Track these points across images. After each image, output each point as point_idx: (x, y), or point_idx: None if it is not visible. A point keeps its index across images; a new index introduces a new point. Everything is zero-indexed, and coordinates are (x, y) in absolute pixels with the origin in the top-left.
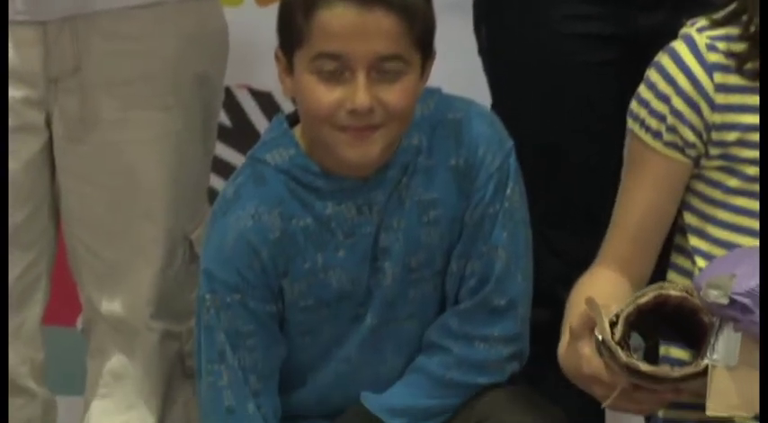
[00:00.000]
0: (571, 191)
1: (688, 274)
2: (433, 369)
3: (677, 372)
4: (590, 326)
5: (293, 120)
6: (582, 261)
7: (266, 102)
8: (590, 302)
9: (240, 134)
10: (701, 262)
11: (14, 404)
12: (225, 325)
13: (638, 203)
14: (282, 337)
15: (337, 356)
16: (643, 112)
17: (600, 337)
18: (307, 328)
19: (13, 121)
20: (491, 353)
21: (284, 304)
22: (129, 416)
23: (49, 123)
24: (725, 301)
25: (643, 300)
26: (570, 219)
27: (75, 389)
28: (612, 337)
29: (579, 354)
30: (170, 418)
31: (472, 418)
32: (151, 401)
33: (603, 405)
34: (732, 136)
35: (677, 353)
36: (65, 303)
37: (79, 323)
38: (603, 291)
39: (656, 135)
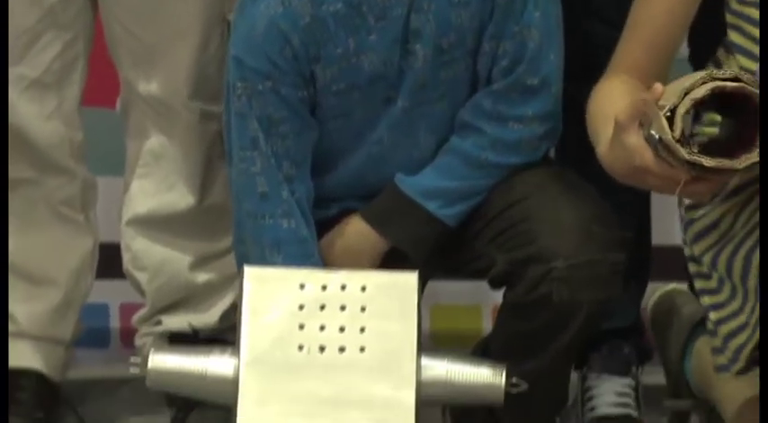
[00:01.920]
0: None
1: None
2: (467, 150)
3: (740, 163)
4: (637, 117)
5: None
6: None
7: None
8: (645, 102)
9: None
10: (741, 60)
11: (55, 184)
12: (257, 112)
13: (656, 10)
14: (314, 122)
15: (370, 139)
16: None
17: (657, 136)
18: (339, 111)
19: None
20: (525, 132)
21: (316, 89)
22: (168, 196)
23: None
24: None
25: (699, 95)
26: None
27: (116, 169)
28: (672, 135)
29: (627, 146)
30: (209, 197)
31: (509, 198)
32: (190, 181)
33: (676, 192)
34: None
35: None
36: (106, 84)
37: (118, 104)
38: (627, 94)
39: None
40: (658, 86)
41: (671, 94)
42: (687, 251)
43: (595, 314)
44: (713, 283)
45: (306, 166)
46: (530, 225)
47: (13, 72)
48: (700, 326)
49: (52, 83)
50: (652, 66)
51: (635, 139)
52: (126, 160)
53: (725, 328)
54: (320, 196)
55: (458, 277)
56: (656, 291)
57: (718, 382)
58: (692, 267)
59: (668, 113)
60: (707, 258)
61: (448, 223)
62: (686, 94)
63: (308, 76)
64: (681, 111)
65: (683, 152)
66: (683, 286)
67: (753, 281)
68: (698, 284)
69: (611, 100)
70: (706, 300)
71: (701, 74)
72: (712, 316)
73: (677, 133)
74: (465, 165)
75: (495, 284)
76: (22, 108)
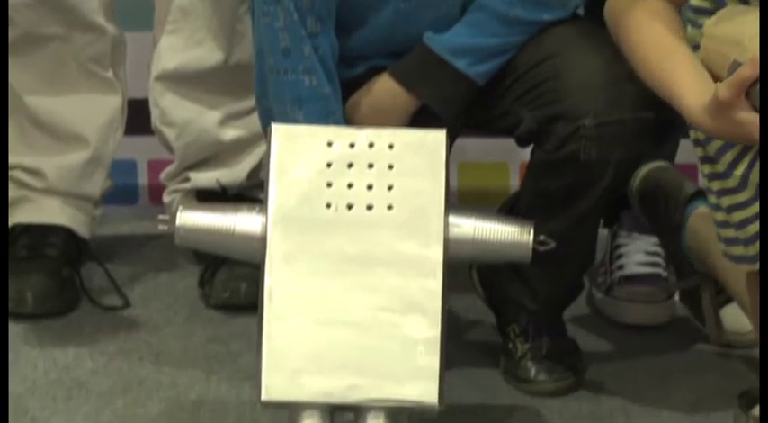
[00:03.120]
0: None
1: None
2: (496, 7)
3: None
4: (742, 91)
5: None
6: None
7: None
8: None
9: None
10: None
11: (84, 40)
12: None
13: None
14: None
15: None
16: None
17: None
18: None
19: None
20: None
21: None
22: (197, 51)
23: None
24: None
25: None
26: None
27: (145, 24)
28: None
29: (740, 121)
30: (238, 54)
31: (537, 55)
32: (219, 38)
33: None
34: None
35: None
36: None
37: None
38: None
39: None
40: (756, 59)
41: None
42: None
43: (623, 174)
44: (720, 168)
45: (330, 23)
46: (559, 82)
47: None
48: (689, 203)
49: None
50: None
51: (746, 114)
52: (155, 16)
53: (737, 216)
54: (347, 54)
55: (486, 134)
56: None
57: (716, 258)
58: (698, 152)
59: None
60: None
61: (477, 81)
62: None
63: None
64: None
65: None
66: (666, 163)
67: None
68: (705, 170)
69: (668, 39)
70: (714, 185)
71: None
72: (724, 201)
73: None
74: (494, 21)
75: (522, 142)
76: None
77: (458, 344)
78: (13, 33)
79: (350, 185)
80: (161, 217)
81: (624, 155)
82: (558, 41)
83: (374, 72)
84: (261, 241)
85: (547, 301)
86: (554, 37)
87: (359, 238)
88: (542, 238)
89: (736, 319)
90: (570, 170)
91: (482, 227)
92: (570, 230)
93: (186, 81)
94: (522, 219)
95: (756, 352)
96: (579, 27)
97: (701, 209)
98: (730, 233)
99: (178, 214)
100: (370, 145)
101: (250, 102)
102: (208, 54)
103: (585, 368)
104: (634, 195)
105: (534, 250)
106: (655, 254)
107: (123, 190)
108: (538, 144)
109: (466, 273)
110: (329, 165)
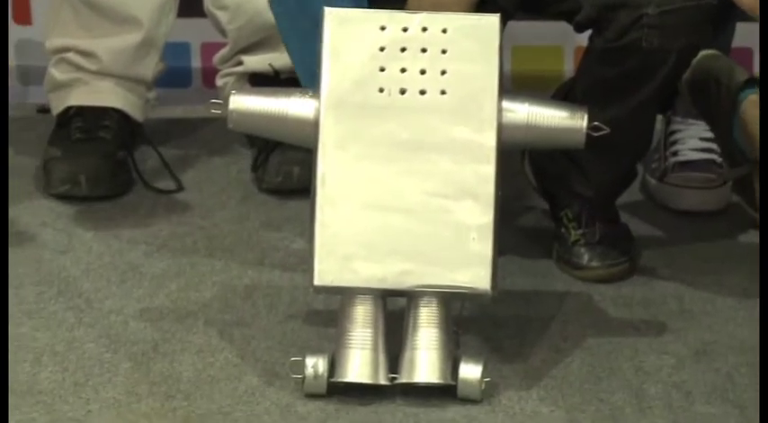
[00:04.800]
0: None
1: None
2: None
3: None
4: None
5: None
6: None
7: None
8: None
9: None
10: None
11: None
12: None
13: None
14: None
15: None
16: None
17: None
18: None
19: None
20: None
21: None
22: None
23: None
24: None
25: None
26: None
27: None
28: None
29: None
30: None
31: None
32: None
33: None
34: None
35: None
36: None
37: None
38: None
39: None
40: None
41: None
42: None
43: (685, 62)
44: None
45: None
46: None
47: None
48: (741, 90)
49: None
50: None
51: None
52: None
53: None
54: None
55: (540, 18)
56: None
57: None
58: None
59: None
60: None
61: None
62: None
63: None
64: None
65: None
66: (717, 52)
67: None
68: None
69: None
70: None
71: None
72: None
73: None
74: None
75: (580, 28)
76: None
77: (510, 230)
78: None
79: (403, 70)
80: (213, 101)
81: (686, 42)
82: None
83: None
84: (314, 126)
85: (600, 187)
86: None
87: (412, 123)
88: (596, 123)
89: None
90: (631, 58)
91: (536, 112)
92: (628, 118)
93: None
94: (577, 104)
95: None
96: None
97: (753, 96)
98: None
99: (230, 98)
100: (424, 29)
101: None
102: None
103: (639, 254)
104: (684, 85)
105: (588, 136)
106: (709, 140)
107: (177, 73)
108: (597, 31)
109: (518, 161)
110: (382, 49)
